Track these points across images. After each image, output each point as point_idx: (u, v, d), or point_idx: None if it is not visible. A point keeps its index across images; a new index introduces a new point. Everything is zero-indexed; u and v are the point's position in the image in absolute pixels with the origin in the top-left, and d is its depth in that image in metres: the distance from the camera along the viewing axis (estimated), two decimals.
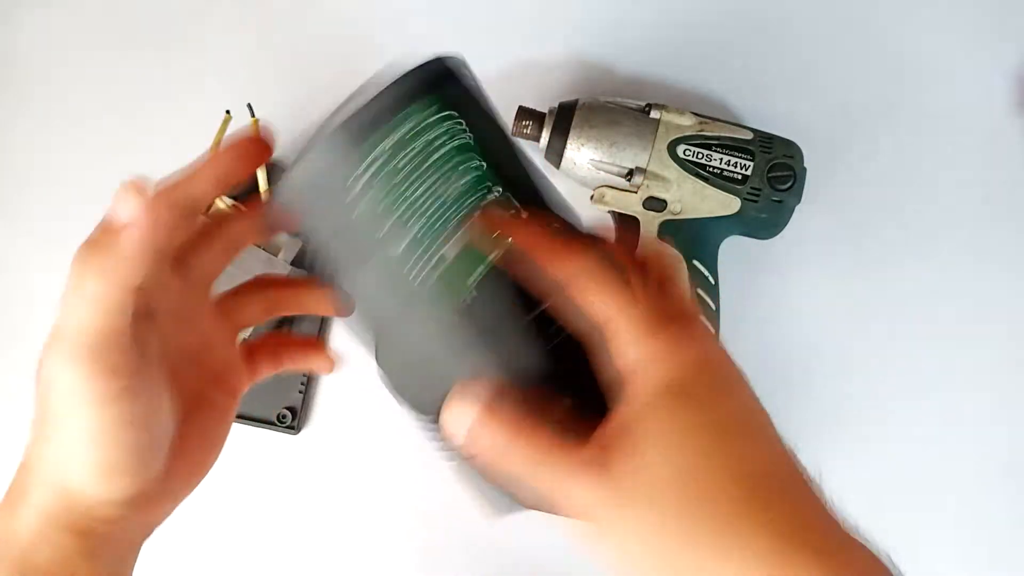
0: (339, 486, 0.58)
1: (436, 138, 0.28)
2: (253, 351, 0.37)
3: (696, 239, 0.54)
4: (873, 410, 0.58)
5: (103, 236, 0.28)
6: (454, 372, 0.28)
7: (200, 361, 0.34)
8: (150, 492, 0.31)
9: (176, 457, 0.32)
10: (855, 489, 0.59)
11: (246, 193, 0.58)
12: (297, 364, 0.38)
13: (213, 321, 0.35)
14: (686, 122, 0.53)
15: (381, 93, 0.28)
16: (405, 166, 0.28)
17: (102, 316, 0.27)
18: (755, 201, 0.53)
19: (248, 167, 0.32)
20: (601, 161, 0.53)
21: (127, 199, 0.28)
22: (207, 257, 0.34)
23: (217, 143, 0.55)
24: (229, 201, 0.57)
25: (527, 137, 0.55)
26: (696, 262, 0.54)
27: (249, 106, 0.54)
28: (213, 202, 0.57)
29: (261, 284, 0.37)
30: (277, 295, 0.37)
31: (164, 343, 0.31)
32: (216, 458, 0.36)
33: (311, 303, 0.37)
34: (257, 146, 0.32)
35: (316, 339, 0.38)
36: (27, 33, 0.61)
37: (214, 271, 0.35)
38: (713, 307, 0.54)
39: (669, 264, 0.30)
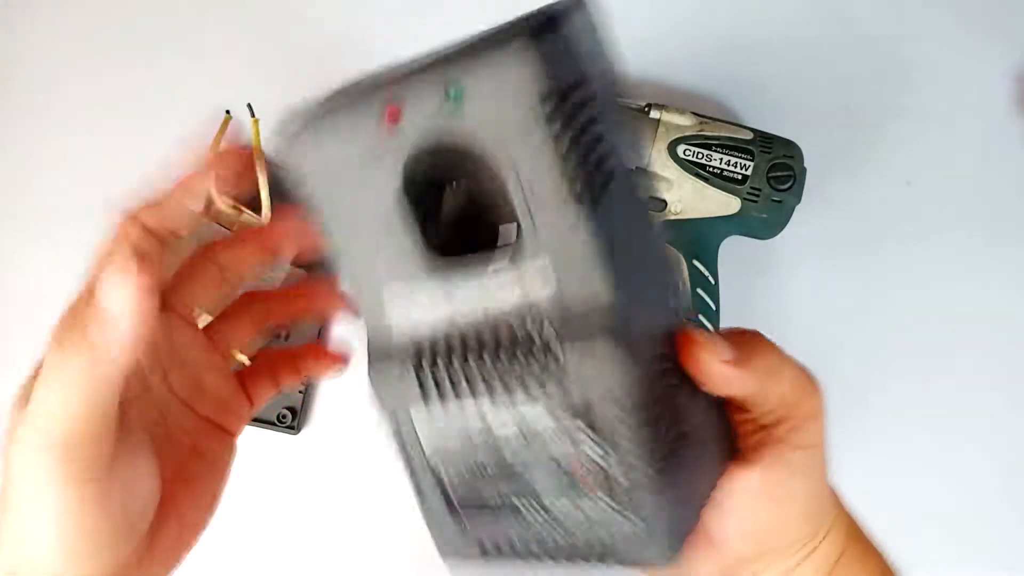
0: (339, 486, 0.58)
1: None
2: (246, 378, 0.33)
3: (696, 239, 0.54)
4: (873, 409, 0.58)
5: (91, 311, 0.24)
6: None
7: (192, 402, 0.31)
8: (129, 568, 0.27)
9: (162, 524, 0.29)
10: (855, 488, 0.59)
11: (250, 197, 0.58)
12: (299, 376, 0.35)
13: (202, 354, 0.31)
14: (686, 122, 0.53)
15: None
16: None
17: (85, 408, 0.24)
18: (755, 201, 0.53)
19: (228, 183, 0.28)
20: None
21: (120, 284, 0.24)
22: (196, 290, 0.31)
23: (217, 143, 0.55)
24: (230, 202, 0.57)
25: None
26: (696, 262, 0.54)
27: (249, 106, 0.54)
28: (210, 207, 0.57)
29: (246, 301, 0.33)
30: (265, 308, 0.33)
31: (148, 394, 0.29)
32: (210, 517, 0.32)
33: (305, 308, 0.33)
34: (233, 159, 0.28)
35: (315, 344, 0.35)
36: (28, 33, 0.61)
37: (202, 304, 0.31)
38: (713, 307, 0.54)
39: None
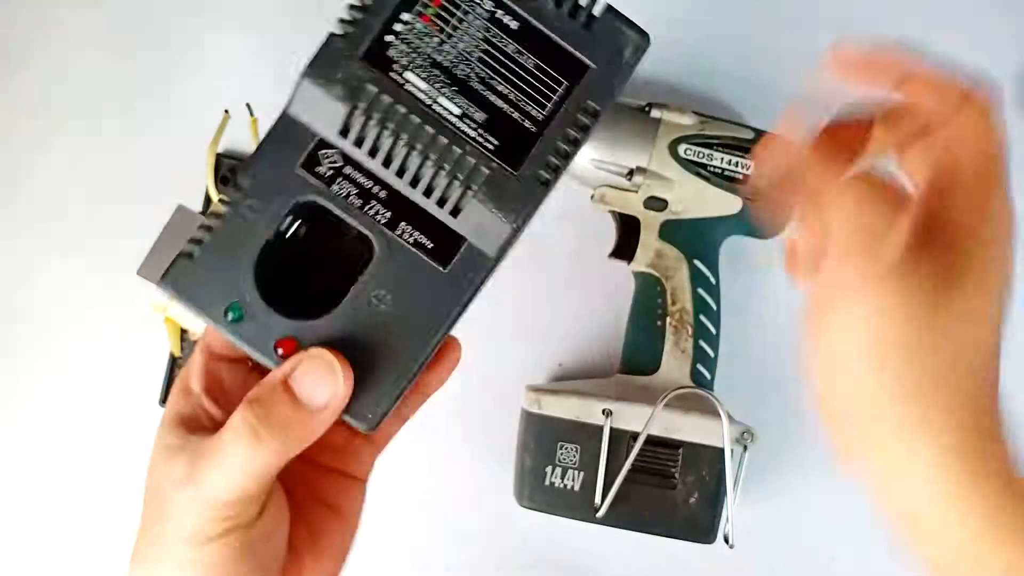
0: None
1: None
2: None
3: (697, 239, 0.54)
4: None
5: (290, 406, 0.27)
6: None
7: (311, 455, 0.29)
8: None
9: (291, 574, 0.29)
10: (854, 488, 0.59)
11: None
12: (424, 398, 0.32)
13: None
14: (687, 121, 0.53)
15: None
16: None
17: (260, 483, 0.26)
18: (756, 201, 0.53)
19: None
20: (602, 161, 0.53)
21: (331, 387, 0.27)
22: None
23: (216, 143, 0.54)
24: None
25: None
26: (697, 262, 0.54)
27: (248, 106, 0.54)
28: (208, 204, 0.57)
29: None
30: None
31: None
32: (340, 564, 0.32)
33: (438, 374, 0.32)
34: None
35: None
36: (26, 32, 0.61)
37: None
38: (714, 307, 0.54)
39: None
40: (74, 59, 0.61)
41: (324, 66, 0.30)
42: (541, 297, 0.59)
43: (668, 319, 0.53)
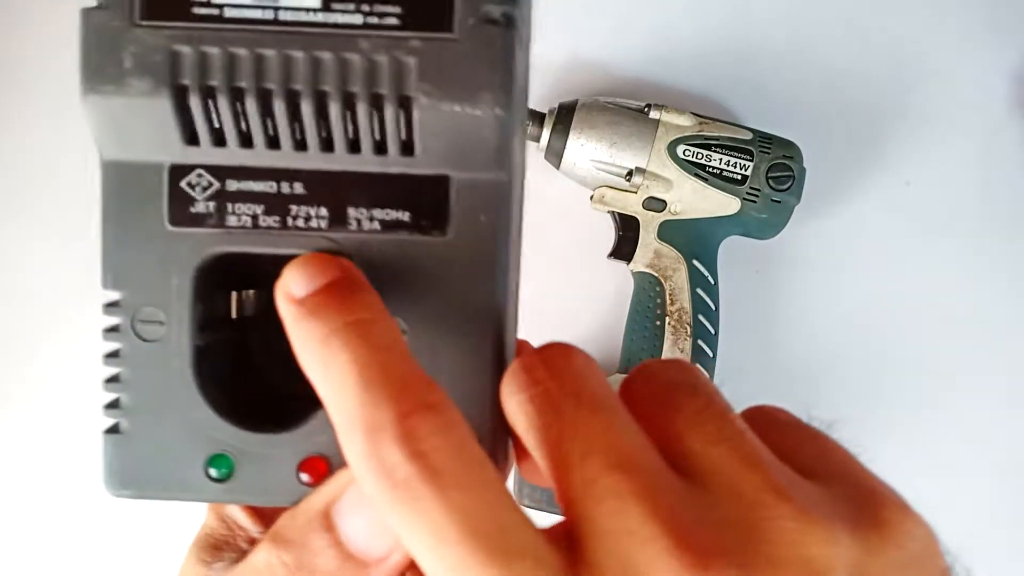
0: None
1: None
2: None
3: (696, 239, 0.54)
4: (873, 410, 0.58)
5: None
6: None
7: None
8: None
9: None
10: None
11: None
12: None
13: None
14: (686, 122, 0.53)
15: None
16: None
17: None
18: (754, 201, 0.53)
19: None
20: (601, 161, 0.53)
21: None
22: None
23: None
24: None
25: (527, 137, 0.55)
26: (696, 262, 0.54)
27: None
28: None
29: None
30: None
31: None
32: None
33: None
34: None
35: None
36: (29, 32, 0.62)
37: None
38: (713, 307, 0.54)
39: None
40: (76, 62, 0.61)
41: (102, 61, 0.19)
42: (540, 297, 0.59)
43: (667, 319, 0.53)
